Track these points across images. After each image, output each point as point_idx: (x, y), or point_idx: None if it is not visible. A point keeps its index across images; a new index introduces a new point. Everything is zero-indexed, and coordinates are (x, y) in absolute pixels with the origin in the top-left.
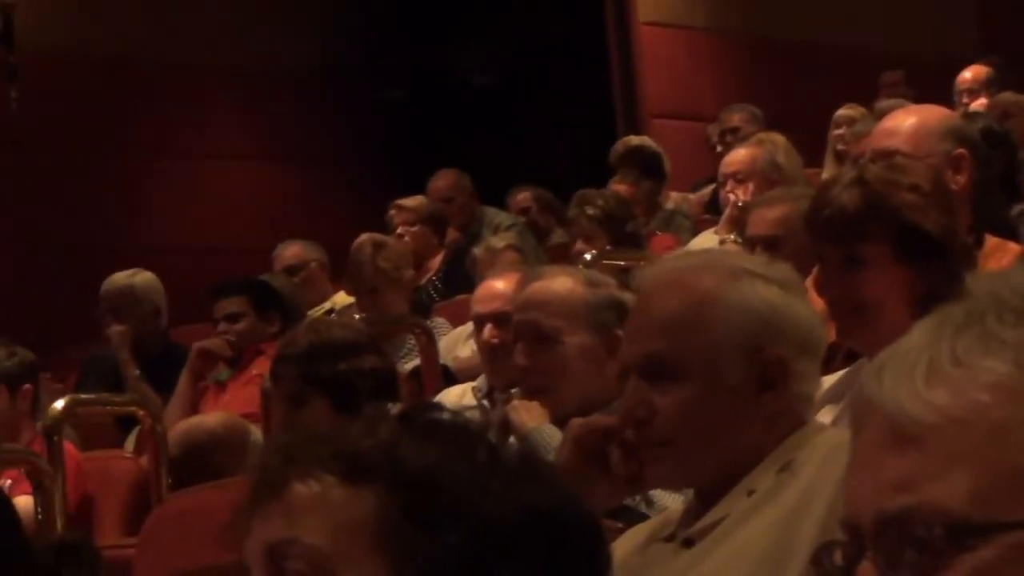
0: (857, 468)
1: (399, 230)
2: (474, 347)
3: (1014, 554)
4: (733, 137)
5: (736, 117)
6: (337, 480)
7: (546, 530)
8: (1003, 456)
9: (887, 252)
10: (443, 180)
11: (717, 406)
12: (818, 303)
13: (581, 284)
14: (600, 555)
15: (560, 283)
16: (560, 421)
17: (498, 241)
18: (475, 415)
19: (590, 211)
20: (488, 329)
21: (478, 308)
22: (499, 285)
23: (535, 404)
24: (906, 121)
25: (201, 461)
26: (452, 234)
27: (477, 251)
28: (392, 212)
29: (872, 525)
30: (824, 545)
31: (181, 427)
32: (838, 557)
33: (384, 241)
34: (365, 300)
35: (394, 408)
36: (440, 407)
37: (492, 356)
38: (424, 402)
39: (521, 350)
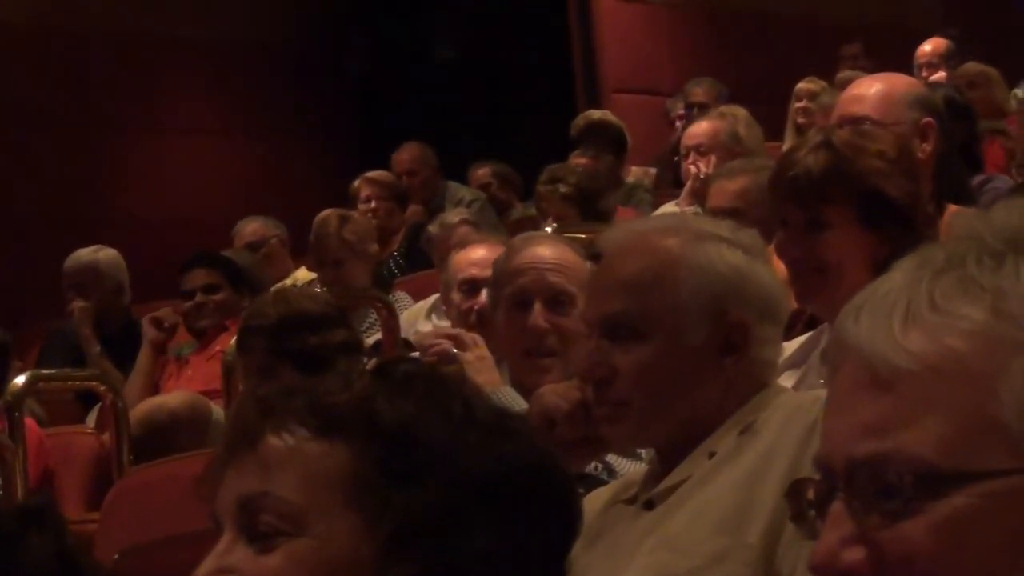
0: (832, 408)
1: (372, 203)
2: (435, 322)
3: (985, 503)
4: (700, 112)
5: (701, 91)
6: (311, 434)
7: (521, 484)
8: (975, 405)
9: (850, 215)
10: (407, 153)
11: (677, 367)
12: (780, 270)
13: (575, 252)
14: (573, 509)
15: (561, 249)
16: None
17: (452, 216)
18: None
19: (563, 189)
20: (486, 292)
21: (472, 272)
22: (485, 252)
23: (489, 362)
24: (872, 88)
25: (162, 442)
26: (414, 209)
27: (432, 228)
28: (358, 184)
29: (843, 467)
30: (799, 481)
31: (142, 407)
32: (810, 494)
33: (349, 215)
34: (329, 273)
35: (370, 363)
36: (416, 361)
37: (482, 321)
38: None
39: (540, 311)
